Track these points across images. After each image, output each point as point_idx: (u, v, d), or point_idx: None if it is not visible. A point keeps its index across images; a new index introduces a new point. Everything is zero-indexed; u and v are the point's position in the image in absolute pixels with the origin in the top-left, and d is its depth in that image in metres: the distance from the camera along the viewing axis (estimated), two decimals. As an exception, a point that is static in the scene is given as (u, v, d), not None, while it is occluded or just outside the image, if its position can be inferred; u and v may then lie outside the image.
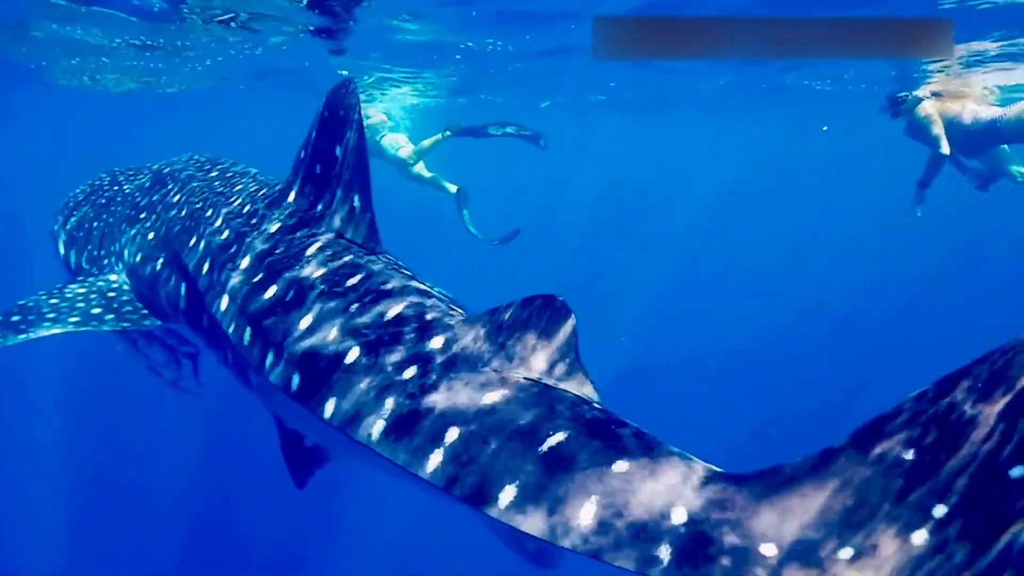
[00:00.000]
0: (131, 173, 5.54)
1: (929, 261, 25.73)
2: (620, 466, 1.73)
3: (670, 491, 1.66)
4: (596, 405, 2.00)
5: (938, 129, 7.76)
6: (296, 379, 2.39)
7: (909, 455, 1.46)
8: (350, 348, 2.31)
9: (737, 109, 18.47)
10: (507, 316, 2.12)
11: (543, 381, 2.03)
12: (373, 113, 13.23)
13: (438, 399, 2.04)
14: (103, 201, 5.28)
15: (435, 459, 1.93)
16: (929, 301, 20.70)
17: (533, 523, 1.72)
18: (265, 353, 2.58)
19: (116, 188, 5.38)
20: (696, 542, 1.57)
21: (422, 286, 2.61)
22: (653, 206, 34.79)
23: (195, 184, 4.22)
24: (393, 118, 14.31)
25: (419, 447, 1.97)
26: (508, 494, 1.78)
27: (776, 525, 1.53)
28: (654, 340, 18.43)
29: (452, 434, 1.94)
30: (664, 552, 1.58)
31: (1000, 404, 1.41)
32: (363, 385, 2.17)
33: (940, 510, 1.41)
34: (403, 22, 8.15)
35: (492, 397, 1.99)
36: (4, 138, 21.52)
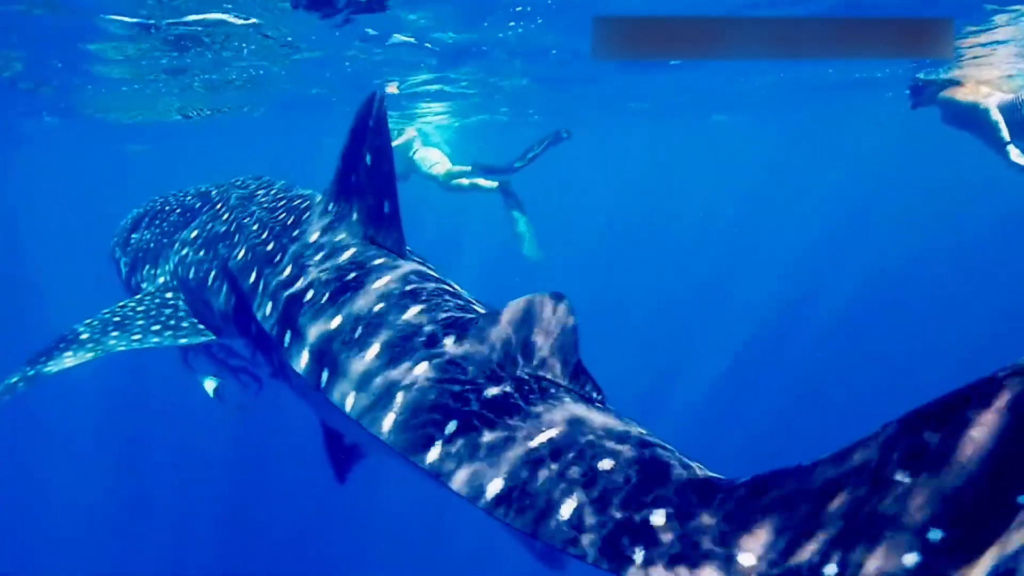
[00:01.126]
0: (182, 195, 5.93)
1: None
2: (606, 464, 1.78)
3: (651, 490, 1.69)
4: (597, 401, 2.08)
5: (995, 114, 7.30)
6: (325, 375, 2.55)
7: (902, 476, 1.43)
8: (370, 345, 2.47)
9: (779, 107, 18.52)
10: (513, 314, 2.20)
11: (544, 377, 2.13)
12: (407, 131, 13.39)
13: (445, 397, 2.13)
14: (157, 222, 5.65)
15: (435, 451, 2.03)
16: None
17: (524, 520, 1.77)
18: (298, 352, 2.75)
19: (168, 209, 5.75)
20: (672, 543, 1.58)
21: (443, 286, 2.79)
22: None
23: (242, 201, 4.47)
24: (428, 137, 14.48)
25: (414, 434, 2.09)
26: (495, 487, 1.85)
27: (760, 534, 1.52)
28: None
29: (451, 427, 2.05)
30: (638, 555, 1.60)
31: (997, 429, 1.36)
32: (378, 380, 2.32)
33: (936, 534, 1.38)
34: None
35: (492, 391, 2.09)
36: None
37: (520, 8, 8.09)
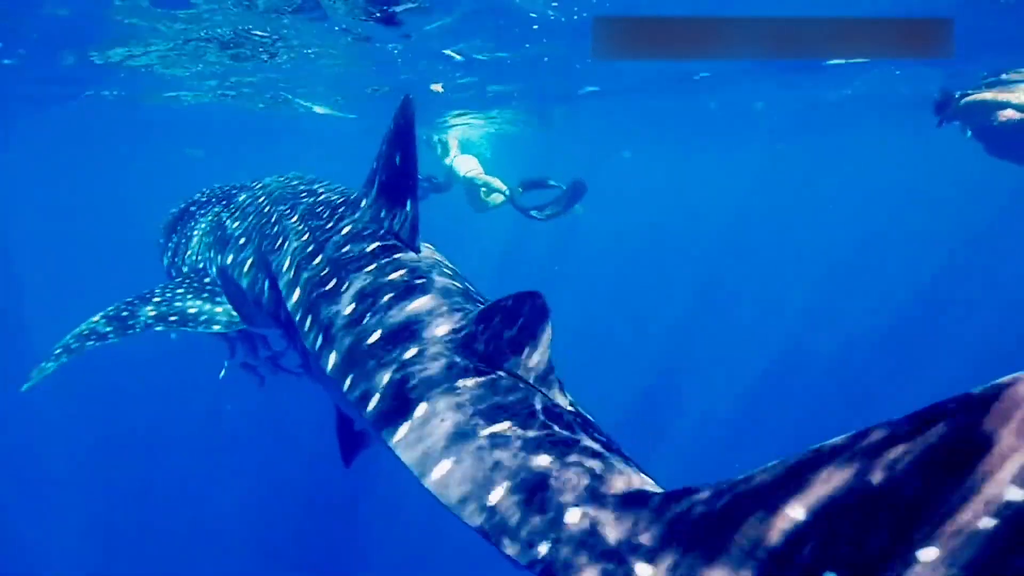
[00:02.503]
0: (228, 187, 6.12)
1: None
2: (542, 460, 1.88)
3: (581, 495, 1.76)
4: (555, 402, 2.16)
5: None
6: (331, 358, 2.69)
7: (796, 511, 1.40)
8: (372, 331, 2.62)
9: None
10: (498, 312, 2.33)
11: (515, 373, 2.23)
12: (451, 141, 13.50)
13: (422, 382, 2.26)
14: (202, 212, 5.84)
15: (402, 430, 2.16)
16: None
17: (449, 496, 1.89)
18: (316, 339, 2.89)
19: (214, 200, 5.93)
20: (582, 545, 1.63)
21: (451, 281, 2.88)
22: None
23: (284, 195, 4.60)
24: (471, 145, 14.55)
25: (387, 412, 2.24)
26: (441, 469, 1.97)
27: (663, 551, 1.55)
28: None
29: (420, 410, 2.17)
30: (543, 548, 1.67)
31: (901, 475, 1.31)
32: (371, 363, 2.47)
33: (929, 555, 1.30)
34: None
35: (466, 383, 2.21)
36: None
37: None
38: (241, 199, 5.41)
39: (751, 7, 6.35)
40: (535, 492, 1.79)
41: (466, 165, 12.64)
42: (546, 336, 2.21)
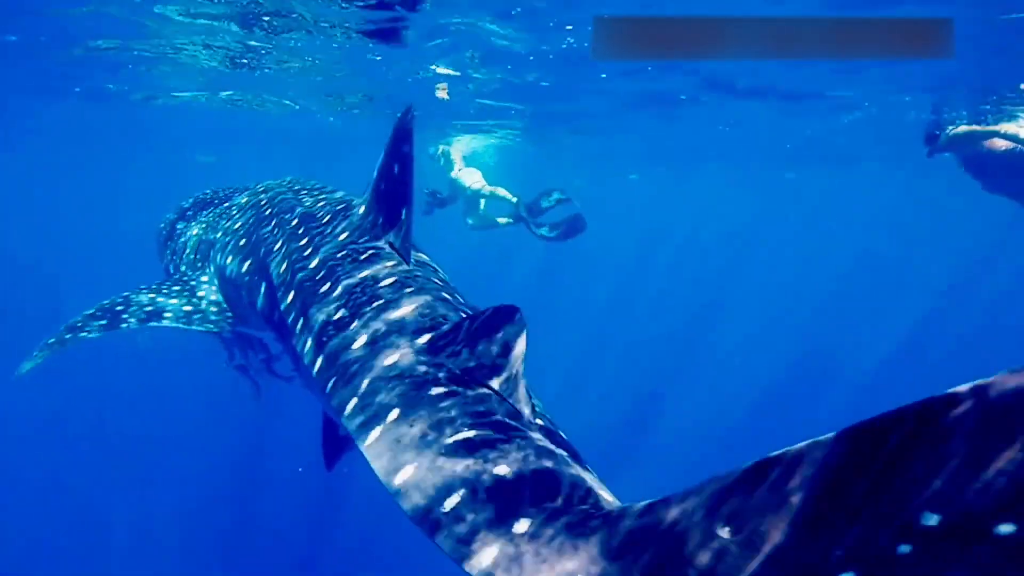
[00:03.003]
0: (230, 189, 6.15)
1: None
2: (501, 469, 1.94)
3: (530, 506, 1.81)
4: (522, 413, 2.20)
5: None
6: (317, 361, 2.75)
7: (723, 531, 1.43)
8: (358, 336, 2.66)
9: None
10: (476, 323, 2.38)
11: (488, 383, 2.27)
12: (454, 154, 13.54)
13: (395, 388, 2.33)
14: (204, 212, 5.86)
15: (373, 434, 2.20)
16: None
17: (407, 500, 1.94)
18: (305, 342, 2.94)
19: (216, 201, 5.95)
20: (523, 555, 1.71)
21: (439, 293, 2.92)
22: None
23: (283, 199, 4.65)
24: (476, 155, 14.54)
25: (363, 418, 2.29)
26: (403, 475, 2.02)
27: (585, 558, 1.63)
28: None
29: (392, 415, 2.23)
30: (488, 555, 1.74)
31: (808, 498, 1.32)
32: (361, 380, 2.48)
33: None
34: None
35: (439, 391, 2.26)
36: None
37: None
38: (240, 201, 5.42)
39: (751, 7, 6.36)
40: (488, 501, 1.85)
41: (470, 178, 12.68)
42: (519, 349, 2.24)
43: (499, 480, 1.90)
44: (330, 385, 2.55)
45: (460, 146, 15.62)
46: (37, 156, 22.56)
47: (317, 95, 12.80)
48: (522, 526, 1.75)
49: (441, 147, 14.02)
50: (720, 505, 1.43)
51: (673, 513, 1.52)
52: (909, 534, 1.20)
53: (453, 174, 12.95)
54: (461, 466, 1.96)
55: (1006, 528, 1.12)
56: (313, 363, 2.76)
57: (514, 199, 11.79)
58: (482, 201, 12.43)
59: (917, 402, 1.20)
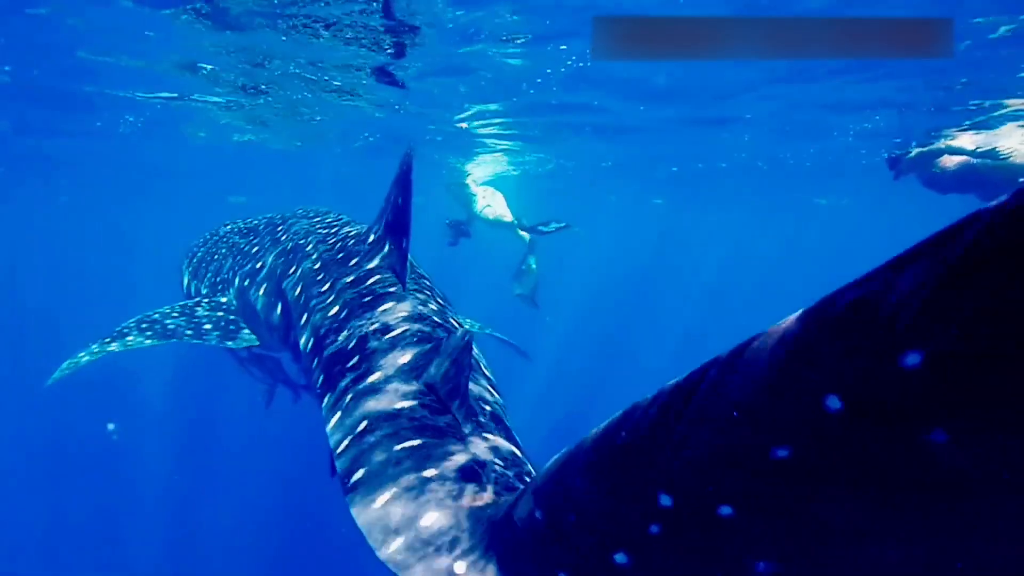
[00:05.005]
0: (249, 220, 6.51)
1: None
2: (428, 472, 2.24)
3: (445, 503, 2.13)
4: (471, 424, 2.48)
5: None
6: (319, 377, 3.08)
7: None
8: (354, 357, 2.98)
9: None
10: (437, 346, 2.78)
11: (441, 396, 2.57)
12: (469, 181, 13.69)
13: (369, 409, 2.62)
14: (225, 239, 6.26)
15: (344, 443, 2.52)
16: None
17: (352, 498, 2.25)
18: (313, 359, 3.27)
19: (235, 231, 6.38)
20: (424, 544, 2.03)
21: (431, 315, 3.21)
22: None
23: (300, 227, 4.96)
24: (499, 180, 14.70)
25: (339, 424, 2.64)
26: (356, 475, 2.33)
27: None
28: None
29: (361, 425, 2.55)
30: (395, 544, 2.06)
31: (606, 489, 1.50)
32: (347, 396, 2.77)
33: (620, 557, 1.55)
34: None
35: (404, 405, 2.57)
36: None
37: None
38: (259, 229, 5.75)
39: (752, 7, 6.38)
40: (411, 498, 2.15)
41: (490, 208, 12.94)
42: (467, 369, 2.52)
43: (425, 480, 2.21)
44: (326, 400, 2.86)
45: (476, 177, 15.74)
46: (80, 196, 23.32)
47: (331, 140, 13.18)
48: (428, 520, 2.07)
49: (466, 181, 14.13)
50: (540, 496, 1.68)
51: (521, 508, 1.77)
52: (655, 515, 1.37)
53: (478, 209, 13.14)
54: (401, 471, 2.26)
55: (725, 510, 1.28)
56: (317, 379, 3.06)
57: (512, 220, 12.10)
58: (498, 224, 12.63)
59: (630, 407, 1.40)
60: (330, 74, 8.73)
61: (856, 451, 1.12)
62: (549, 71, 8.45)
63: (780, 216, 26.18)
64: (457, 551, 1.95)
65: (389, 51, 7.58)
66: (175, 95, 10.39)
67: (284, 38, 7.31)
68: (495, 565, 1.84)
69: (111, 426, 15.01)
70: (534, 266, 12.16)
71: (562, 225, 11.85)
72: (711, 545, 1.34)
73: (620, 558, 1.46)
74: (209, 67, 8.73)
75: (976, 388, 0.98)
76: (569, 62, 8.07)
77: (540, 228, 11.98)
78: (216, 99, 10.46)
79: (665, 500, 1.35)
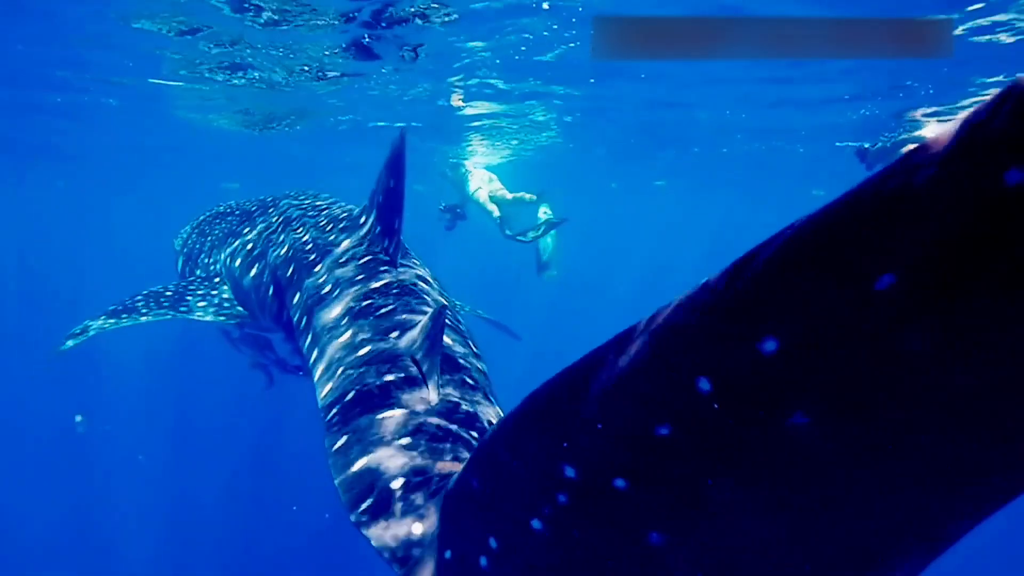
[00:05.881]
0: (243, 202, 6.58)
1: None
2: (405, 440, 2.38)
3: (408, 472, 2.26)
4: (446, 397, 2.60)
5: None
6: (314, 355, 3.16)
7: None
8: (342, 333, 3.07)
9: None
10: (421, 323, 2.87)
11: (421, 367, 2.70)
12: (472, 169, 13.54)
13: (354, 377, 2.73)
14: (217, 221, 6.36)
15: (333, 411, 2.62)
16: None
17: (336, 475, 2.34)
18: (307, 338, 3.34)
19: (227, 212, 6.45)
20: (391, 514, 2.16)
21: (420, 295, 3.26)
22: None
23: (292, 208, 5.02)
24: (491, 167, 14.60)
25: (332, 402, 2.69)
26: (340, 442, 2.46)
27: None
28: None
29: (348, 397, 2.65)
30: (363, 506, 2.22)
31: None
32: (341, 376, 2.83)
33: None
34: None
35: (389, 377, 2.67)
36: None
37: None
38: (252, 211, 5.81)
39: (752, 7, 6.34)
40: (384, 462, 2.29)
41: (485, 189, 12.72)
42: (441, 341, 2.65)
43: (398, 451, 2.33)
44: (320, 376, 2.93)
45: (479, 161, 15.61)
46: (78, 182, 23.33)
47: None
48: (396, 484, 2.21)
49: (462, 169, 13.94)
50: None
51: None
52: (562, 485, 1.47)
53: (471, 191, 12.93)
54: (378, 442, 2.37)
55: (620, 483, 1.37)
56: (311, 357, 3.15)
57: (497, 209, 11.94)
58: (497, 211, 12.45)
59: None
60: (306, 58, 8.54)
61: (727, 431, 1.18)
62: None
63: (776, 206, 26.34)
64: (418, 514, 2.09)
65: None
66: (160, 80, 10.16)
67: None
68: (446, 528, 1.96)
69: (79, 418, 15.00)
70: (550, 242, 11.97)
71: (556, 221, 11.62)
72: (610, 515, 1.43)
73: (536, 524, 1.56)
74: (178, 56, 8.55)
75: (828, 375, 1.05)
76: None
77: (533, 230, 11.69)
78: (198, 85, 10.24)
79: (569, 472, 1.45)
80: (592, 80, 9.76)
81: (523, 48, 7.97)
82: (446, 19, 6.97)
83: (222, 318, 4.73)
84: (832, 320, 1.00)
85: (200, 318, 4.72)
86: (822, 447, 1.12)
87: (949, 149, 0.86)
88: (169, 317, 4.67)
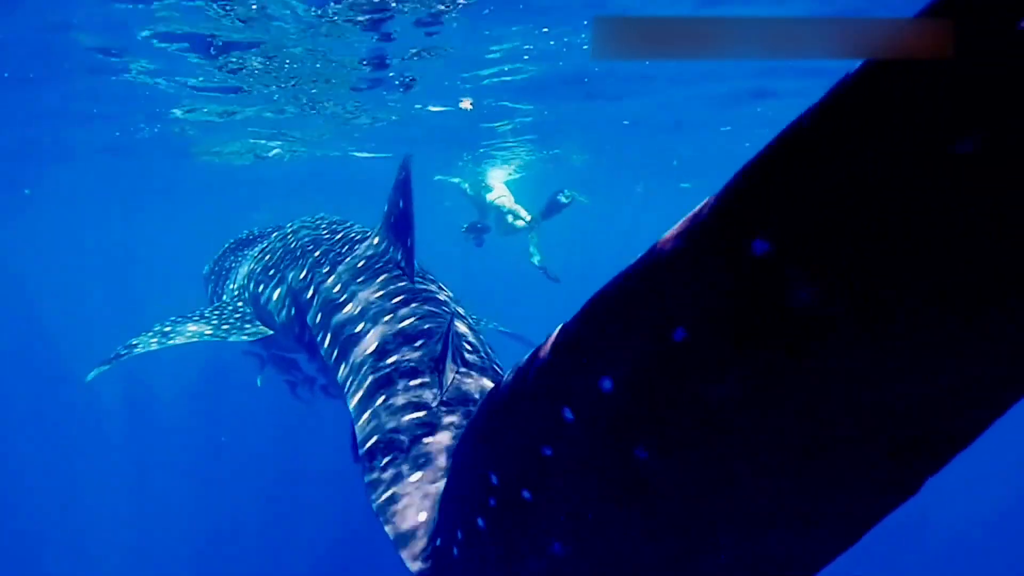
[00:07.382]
0: (267, 229, 7.07)
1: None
2: (427, 440, 2.63)
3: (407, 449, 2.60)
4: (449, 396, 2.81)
5: None
6: (341, 368, 3.40)
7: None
8: (363, 339, 3.35)
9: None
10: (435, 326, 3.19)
11: (437, 368, 2.95)
12: (495, 183, 13.74)
13: (381, 378, 3.01)
14: (242, 248, 6.77)
15: (361, 411, 2.93)
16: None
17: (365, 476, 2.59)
18: (332, 352, 3.57)
19: (252, 239, 6.91)
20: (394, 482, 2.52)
21: (433, 308, 3.45)
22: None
23: (308, 232, 5.24)
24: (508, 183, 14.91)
25: (357, 392, 3.04)
26: (363, 429, 2.83)
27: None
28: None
29: (380, 399, 2.93)
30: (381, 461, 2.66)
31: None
32: (366, 378, 3.10)
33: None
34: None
35: (414, 382, 2.93)
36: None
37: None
38: (273, 236, 6.11)
39: (752, 7, 6.44)
40: (385, 445, 2.63)
41: (498, 192, 12.96)
42: (450, 350, 2.87)
43: (400, 434, 2.66)
44: (347, 386, 3.20)
45: (499, 175, 15.76)
46: (107, 212, 23.85)
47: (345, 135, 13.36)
48: (399, 468, 2.52)
49: (480, 184, 14.10)
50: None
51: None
52: (491, 490, 1.61)
53: (491, 198, 13.13)
54: (391, 433, 2.69)
55: (526, 494, 1.50)
56: (337, 370, 3.38)
57: (529, 218, 12.13)
58: (508, 216, 12.62)
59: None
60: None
61: (591, 456, 1.29)
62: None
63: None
64: (428, 503, 2.32)
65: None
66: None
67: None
68: (441, 517, 2.14)
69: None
70: (536, 252, 12.23)
71: (567, 200, 11.80)
72: (521, 522, 1.55)
73: (480, 522, 1.72)
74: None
75: (654, 413, 1.13)
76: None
77: (554, 203, 11.89)
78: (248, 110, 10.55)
79: (493, 478, 1.59)
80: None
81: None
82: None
83: (245, 338, 5.00)
84: (647, 365, 1.09)
85: (224, 338, 4.99)
86: (664, 480, 1.19)
87: (689, 227, 1.00)
88: (198, 340, 4.95)
